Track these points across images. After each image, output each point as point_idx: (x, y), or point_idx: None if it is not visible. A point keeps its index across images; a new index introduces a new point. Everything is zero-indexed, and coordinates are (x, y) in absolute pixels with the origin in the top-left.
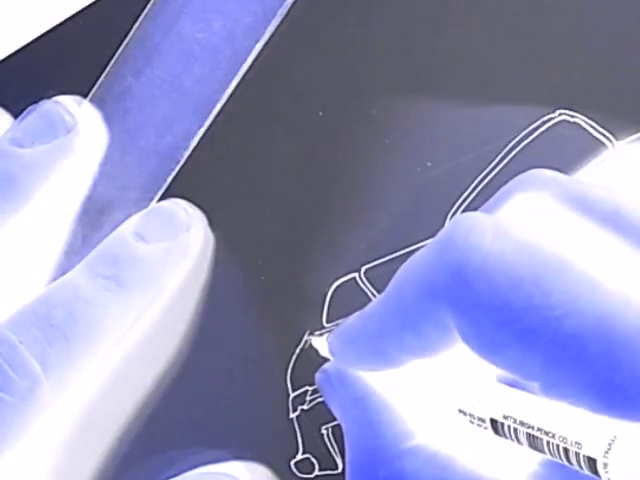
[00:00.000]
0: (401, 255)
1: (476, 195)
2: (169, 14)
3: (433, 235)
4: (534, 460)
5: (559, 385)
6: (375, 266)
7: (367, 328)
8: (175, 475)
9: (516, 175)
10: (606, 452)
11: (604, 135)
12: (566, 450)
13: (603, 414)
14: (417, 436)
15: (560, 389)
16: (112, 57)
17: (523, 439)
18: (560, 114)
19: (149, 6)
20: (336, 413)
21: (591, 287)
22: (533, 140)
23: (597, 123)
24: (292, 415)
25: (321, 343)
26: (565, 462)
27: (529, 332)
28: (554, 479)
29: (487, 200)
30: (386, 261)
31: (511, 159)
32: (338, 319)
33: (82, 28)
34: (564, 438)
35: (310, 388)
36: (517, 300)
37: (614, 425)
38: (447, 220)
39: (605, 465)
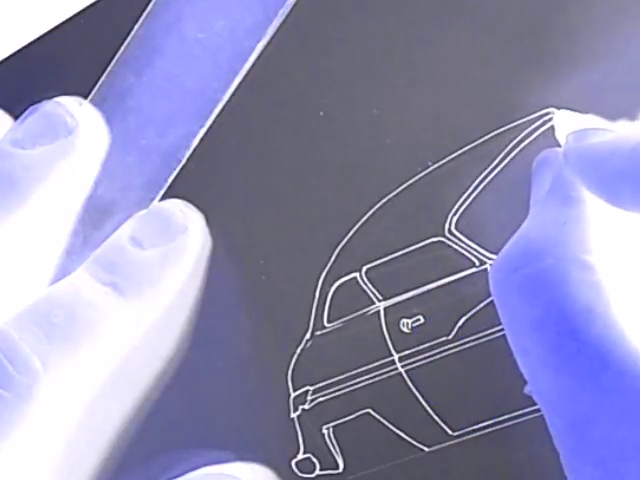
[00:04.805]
0: (401, 255)
1: (476, 195)
2: (170, 14)
3: (433, 235)
4: None
5: None
6: (376, 266)
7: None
8: (178, 476)
9: (516, 175)
10: None
11: None
12: None
13: None
14: (598, 270)
15: None
16: (113, 57)
17: None
18: None
19: (150, 6)
20: (535, 196)
21: None
22: (533, 140)
23: None
24: (293, 415)
25: (562, 127)
26: None
27: None
28: None
29: (487, 200)
30: (386, 261)
31: (511, 159)
32: (339, 319)
33: (83, 28)
34: None
35: (311, 388)
36: None
37: None
38: (447, 220)
39: None
